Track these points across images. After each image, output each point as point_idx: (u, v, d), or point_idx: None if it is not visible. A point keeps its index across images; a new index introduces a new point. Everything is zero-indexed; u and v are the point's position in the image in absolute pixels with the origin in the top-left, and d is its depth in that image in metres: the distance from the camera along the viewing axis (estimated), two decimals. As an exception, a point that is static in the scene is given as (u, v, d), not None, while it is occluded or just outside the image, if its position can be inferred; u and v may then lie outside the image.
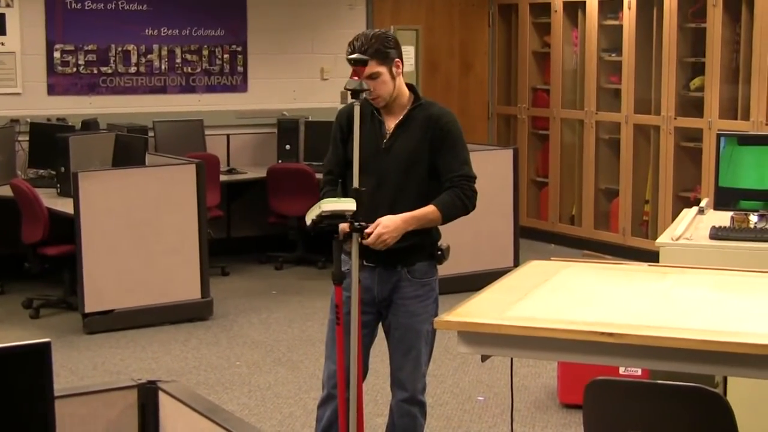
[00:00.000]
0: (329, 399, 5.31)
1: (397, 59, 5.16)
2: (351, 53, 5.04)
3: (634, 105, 11.27)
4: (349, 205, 4.87)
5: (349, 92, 4.97)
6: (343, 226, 4.90)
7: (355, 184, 4.89)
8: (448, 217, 5.15)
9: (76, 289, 8.84)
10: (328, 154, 5.36)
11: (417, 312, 5.24)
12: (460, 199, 5.13)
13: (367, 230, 4.93)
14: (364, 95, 4.97)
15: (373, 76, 5.06)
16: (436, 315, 5.12)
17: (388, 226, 4.97)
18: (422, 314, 5.23)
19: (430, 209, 5.10)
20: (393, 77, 5.14)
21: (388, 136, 5.22)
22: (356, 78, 4.90)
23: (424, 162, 5.17)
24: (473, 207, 5.20)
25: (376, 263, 5.15)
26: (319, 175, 6.56)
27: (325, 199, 4.92)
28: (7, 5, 10.66)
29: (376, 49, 5.07)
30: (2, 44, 10.68)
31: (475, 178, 5.20)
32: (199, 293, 9.19)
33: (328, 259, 5.36)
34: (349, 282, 5.05)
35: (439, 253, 5.27)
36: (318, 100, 11.78)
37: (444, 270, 5.38)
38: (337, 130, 5.25)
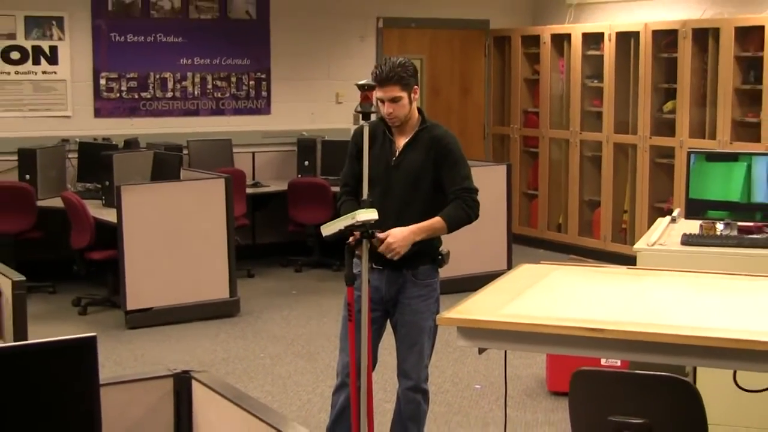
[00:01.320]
0: (342, 387, 5.31)
1: (415, 86, 5.18)
2: (377, 77, 5.08)
3: (614, 126, 11.25)
4: (373, 215, 4.88)
5: (360, 114, 4.99)
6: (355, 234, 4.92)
7: (365, 195, 4.91)
8: (453, 226, 5.14)
9: (119, 289, 8.85)
10: (345, 168, 5.36)
11: (420, 310, 5.24)
12: (463, 209, 5.13)
13: (380, 236, 4.94)
14: (373, 116, 5.00)
15: (395, 100, 5.09)
16: (437, 312, 5.13)
17: (397, 236, 4.97)
18: (425, 312, 5.23)
19: (436, 220, 5.10)
20: (410, 101, 5.17)
21: (397, 153, 5.22)
22: (366, 101, 4.92)
23: (428, 177, 5.18)
24: (476, 216, 5.19)
25: (384, 266, 5.15)
26: (334, 188, 6.56)
27: (359, 210, 4.91)
28: (59, 38, 10.69)
29: (400, 76, 5.09)
30: (54, 73, 10.70)
31: (477, 190, 5.20)
32: (227, 293, 9.19)
33: (342, 263, 5.35)
34: (359, 283, 5.05)
35: (440, 257, 5.28)
36: (333, 122, 11.78)
37: (445, 272, 5.38)
38: (353, 148, 5.26)
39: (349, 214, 4.92)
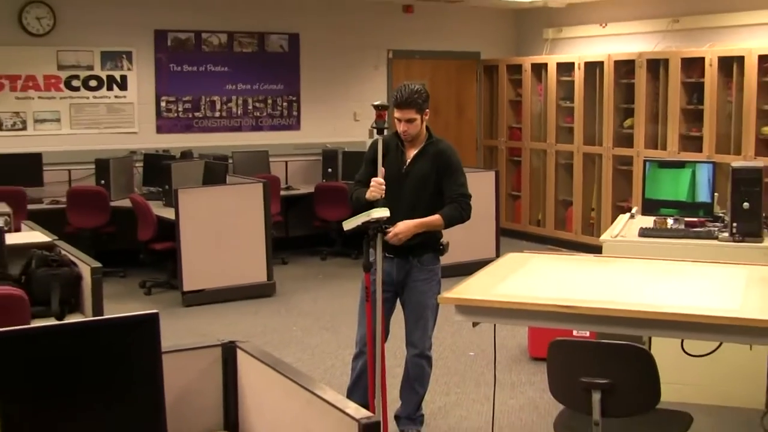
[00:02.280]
0: (360, 354, 5.32)
1: (427, 109, 5.20)
2: (397, 100, 5.14)
3: (583, 139, 11.23)
4: (385, 212, 4.92)
5: (375, 129, 5.01)
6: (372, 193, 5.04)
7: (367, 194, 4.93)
8: (448, 223, 5.18)
9: (177, 273, 8.89)
10: (362, 169, 5.36)
11: (425, 290, 5.25)
12: (458, 210, 5.16)
13: (389, 230, 4.97)
14: (385, 131, 5.02)
15: (410, 120, 5.14)
16: (439, 293, 5.14)
17: (401, 228, 5.04)
18: (428, 292, 5.25)
19: (435, 217, 5.14)
20: (422, 121, 5.20)
21: (407, 163, 5.25)
22: (380, 119, 4.96)
23: (432, 184, 5.20)
24: (468, 217, 5.22)
25: (395, 255, 5.17)
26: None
27: (374, 209, 4.95)
28: (128, 69, 10.70)
29: (416, 102, 5.14)
30: (124, 97, 10.71)
31: (470, 196, 5.24)
32: (265, 277, 9.19)
33: (360, 253, 5.35)
34: (374, 269, 5.06)
35: (441, 247, 5.30)
36: (352, 136, 11.77)
37: (444, 260, 5.38)
38: (370, 154, 5.25)
39: (366, 212, 4.97)
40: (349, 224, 5.04)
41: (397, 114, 5.14)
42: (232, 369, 3.24)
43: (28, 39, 10.17)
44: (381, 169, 5.06)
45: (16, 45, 10.11)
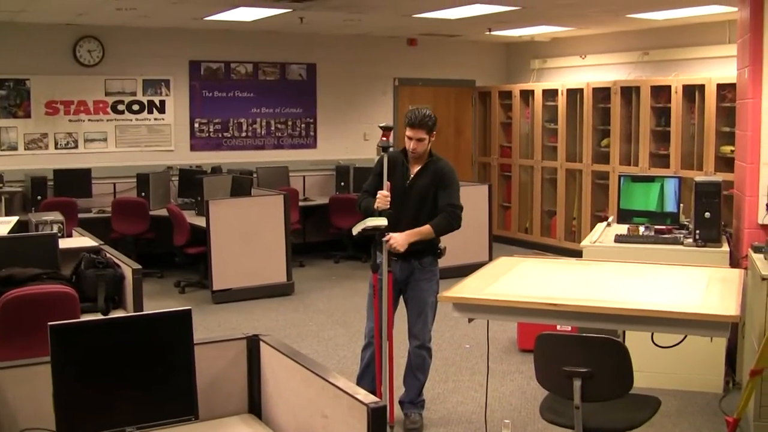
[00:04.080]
0: (368, 346, 5.33)
1: (435, 131, 5.21)
2: (411, 120, 5.14)
3: (566, 156, 11.20)
4: (382, 222, 4.92)
5: (381, 147, 5.02)
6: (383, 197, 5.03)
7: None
8: (438, 233, 5.19)
9: (208, 274, 8.86)
10: (369, 180, 5.35)
11: (425, 289, 5.25)
12: (447, 220, 5.16)
13: (385, 239, 5.03)
14: (391, 149, 5.01)
15: (420, 140, 5.16)
16: (437, 291, 5.18)
17: (396, 239, 5.04)
18: (428, 290, 5.25)
19: (426, 227, 5.15)
20: (429, 142, 5.20)
21: (410, 178, 5.25)
22: (385, 139, 4.95)
23: (431, 197, 5.21)
24: (458, 225, 5.22)
25: (399, 258, 5.16)
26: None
27: (370, 218, 4.96)
28: (166, 94, 10.72)
29: (427, 124, 5.16)
30: (162, 119, 10.72)
31: (461, 207, 5.22)
32: (285, 277, 9.16)
33: (369, 256, 5.35)
34: (381, 270, 5.06)
35: (439, 251, 5.30)
36: (362, 154, 11.77)
37: (443, 263, 5.38)
38: (377, 168, 5.24)
39: (364, 220, 5.00)
40: (354, 230, 5.06)
41: (408, 133, 5.14)
42: (256, 359, 3.24)
43: (81, 69, 10.21)
44: (387, 183, 5.07)
45: (70, 74, 10.14)
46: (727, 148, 8.86)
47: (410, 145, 5.18)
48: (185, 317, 2.92)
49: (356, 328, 7.50)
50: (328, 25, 10.48)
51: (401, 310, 5.37)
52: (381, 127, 4.99)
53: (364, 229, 4.96)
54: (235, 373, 3.24)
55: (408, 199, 5.20)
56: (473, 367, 6.64)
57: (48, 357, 2.69)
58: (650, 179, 6.60)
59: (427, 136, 5.17)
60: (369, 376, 5.27)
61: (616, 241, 6.05)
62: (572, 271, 4.90)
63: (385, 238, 5.02)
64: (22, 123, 9.97)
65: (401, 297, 5.35)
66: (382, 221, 4.93)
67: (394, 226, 5.02)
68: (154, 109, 10.67)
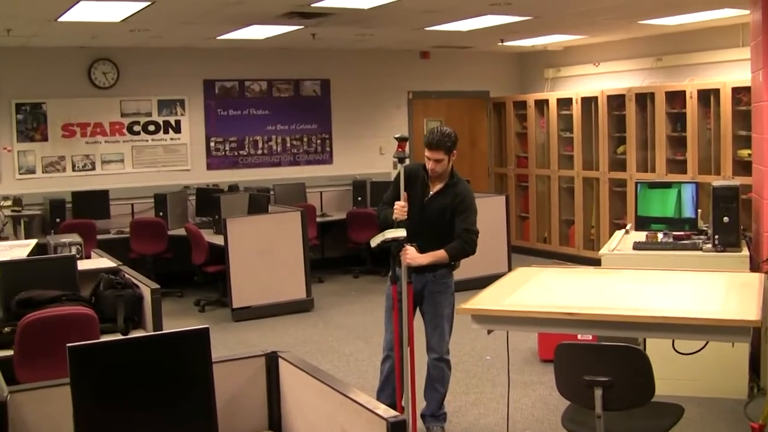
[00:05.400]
0: (387, 358, 5.33)
1: (455, 151, 5.21)
2: (429, 141, 5.13)
3: (582, 164, 11.19)
4: (401, 233, 4.91)
5: (396, 160, 5.02)
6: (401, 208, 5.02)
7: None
8: (453, 258, 5.21)
9: (227, 292, 8.87)
10: (389, 191, 5.36)
11: (440, 301, 5.27)
12: (461, 246, 5.18)
13: (407, 250, 5.01)
14: (407, 161, 5.02)
15: (438, 160, 5.17)
16: (452, 303, 5.23)
17: (412, 254, 5.04)
18: (443, 302, 5.28)
19: (441, 253, 5.15)
20: (449, 161, 5.21)
21: (430, 196, 5.26)
22: (400, 150, 4.95)
23: (448, 217, 5.22)
24: (473, 251, 5.23)
25: (413, 270, 5.15)
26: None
27: (389, 230, 4.96)
28: (182, 114, 10.78)
29: (446, 144, 5.17)
30: (178, 139, 10.79)
31: (477, 232, 5.23)
32: (304, 293, 9.17)
33: (388, 270, 5.35)
34: (400, 282, 5.06)
35: (453, 264, 5.29)
36: (378, 168, 11.78)
37: (462, 274, 5.39)
38: (400, 177, 5.23)
39: (383, 232, 4.99)
40: (373, 241, 5.07)
41: (427, 153, 5.15)
42: (275, 376, 3.24)
43: (96, 91, 10.29)
44: (403, 194, 5.08)
45: (86, 97, 10.23)
46: (744, 152, 8.81)
47: (429, 165, 5.20)
48: (203, 336, 2.92)
49: (376, 342, 7.47)
50: (340, 41, 10.52)
51: (418, 322, 5.36)
52: (396, 138, 5.00)
53: (383, 241, 4.96)
54: (255, 390, 3.23)
55: (425, 215, 5.21)
56: (494, 379, 6.61)
57: (67, 378, 2.70)
58: (667, 185, 6.56)
59: (446, 156, 5.18)
60: (389, 389, 5.27)
61: (634, 248, 6.03)
62: (591, 279, 4.88)
63: (407, 249, 5.01)
64: (39, 146, 10.05)
65: (417, 309, 5.35)
66: (401, 232, 4.93)
67: (411, 239, 5.02)
68: (170, 129, 10.73)
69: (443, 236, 5.17)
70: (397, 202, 5.07)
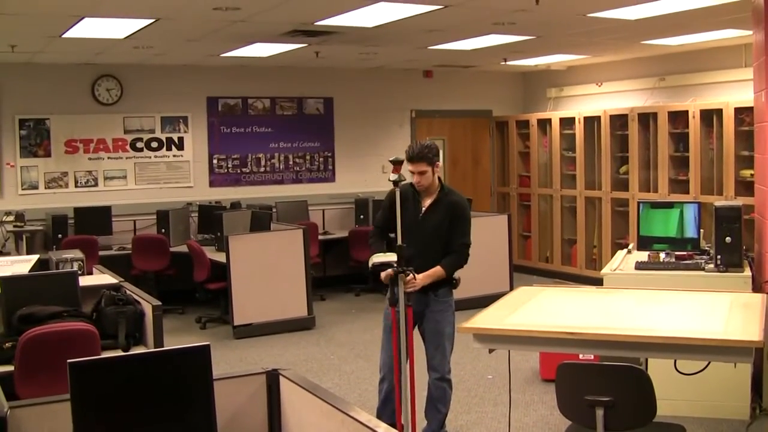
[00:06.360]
0: (384, 379, 5.32)
1: (438, 162, 5.23)
2: (409, 155, 5.16)
3: (585, 184, 11.20)
4: (392, 257, 4.91)
5: (392, 181, 5.01)
6: (387, 273, 4.98)
7: (398, 241, 4.92)
8: (449, 273, 5.24)
9: (229, 309, 8.87)
10: (379, 215, 5.41)
11: (440, 320, 5.27)
12: (457, 259, 5.23)
13: (408, 278, 4.98)
14: (401, 183, 5.00)
15: (422, 172, 5.18)
16: (453, 322, 5.22)
17: (416, 284, 5.06)
18: (444, 321, 5.28)
19: (439, 270, 5.19)
20: (433, 173, 5.22)
21: (423, 211, 5.26)
22: (395, 173, 4.95)
23: (444, 231, 5.23)
24: (466, 262, 5.28)
25: (416, 291, 5.14)
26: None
27: (377, 254, 4.99)
28: (185, 131, 10.82)
29: (427, 156, 5.18)
30: (181, 156, 10.82)
31: (470, 244, 5.27)
32: (306, 311, 9.16)
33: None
34: (399, 304, 5.06)
35: (453, 282, 5.31)
36: (380, 186, 11.76)
37: (463, 293, 5.38)
38: (387, 202, 5.26)
39: (371, 257, 5.05)
40: (369, 263, 5.09)
41: (410, 167, 5.17)
42: (276, 393, 3.23)
43: (99, 108, 10.33)
44: (399, 215, 5.02)
45: (89, 113, 10.27)
46: (747, 172, 8.82)
47: (414, 179, 5.22)
48: (204, 353, 2.92)
49: (378, 360, 7.46)
50: (344, 59, 10.55)
51: (418, 341, 5.35)
52: (391, 161, 4.99)
53: (373, 265, 4.99)
54: (255, 408, 3.23)
55: (420, 232, 5.21)
56: (496, 398, 6.59)
57: (68, 395, 2.70)
58: (669, 205, 6.56)
59: (430, 168, 5.19)
60: (389, 410, 5.25)
61: (636, 268, 6.02)
62: (592, 299, 4.88)
63: (407, 278, 5.00)
64: (42, 162, 10.08)
65: (417, 328, 5.34)
66: (392, 257, 4.93)
67: (407, 261, 4.99)
68: (173, 146, 10.76)
69: (441, 250, 5.19)
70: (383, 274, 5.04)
